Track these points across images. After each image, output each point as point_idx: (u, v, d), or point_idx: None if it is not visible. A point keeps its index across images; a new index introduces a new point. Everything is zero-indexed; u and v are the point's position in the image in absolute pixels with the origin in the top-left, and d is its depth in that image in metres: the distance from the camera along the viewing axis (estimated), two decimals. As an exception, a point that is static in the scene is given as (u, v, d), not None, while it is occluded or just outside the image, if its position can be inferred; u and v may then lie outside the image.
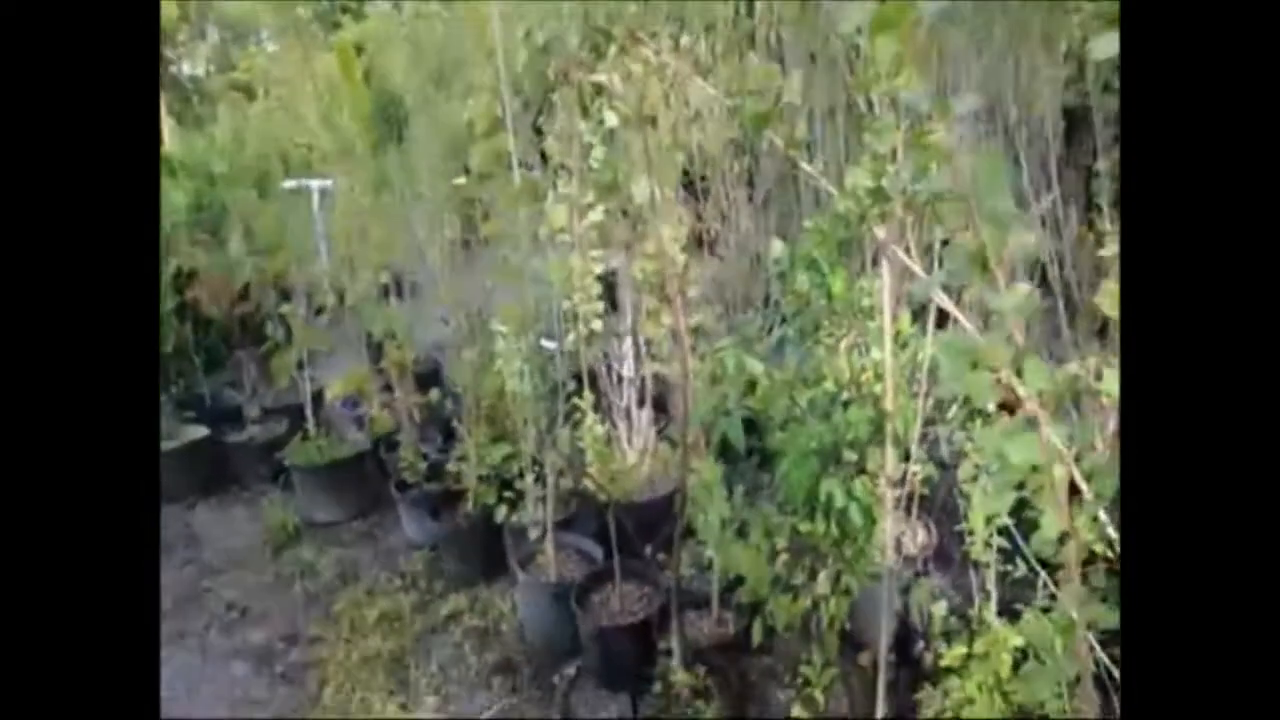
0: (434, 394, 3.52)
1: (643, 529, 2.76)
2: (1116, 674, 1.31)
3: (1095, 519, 1.24)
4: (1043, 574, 1.59)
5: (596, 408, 2.69)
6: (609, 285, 2.75)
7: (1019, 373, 1.13)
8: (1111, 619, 1.20)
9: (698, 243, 3.22)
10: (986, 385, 1.16)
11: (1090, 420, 1.94)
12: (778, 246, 2.13)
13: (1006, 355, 1.14)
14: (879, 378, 1.87)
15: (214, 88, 7.56)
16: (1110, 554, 1.41)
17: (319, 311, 4.13)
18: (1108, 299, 1.08)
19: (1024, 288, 1.14)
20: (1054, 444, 1.17)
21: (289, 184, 4.61)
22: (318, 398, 4.15)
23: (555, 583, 2.71)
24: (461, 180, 2.69)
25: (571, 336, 2.44)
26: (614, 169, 2.28)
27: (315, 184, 4.72)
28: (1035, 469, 1.18)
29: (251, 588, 3.42)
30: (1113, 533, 1.25)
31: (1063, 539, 1.19)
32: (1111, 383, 1.45)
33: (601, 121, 2.20)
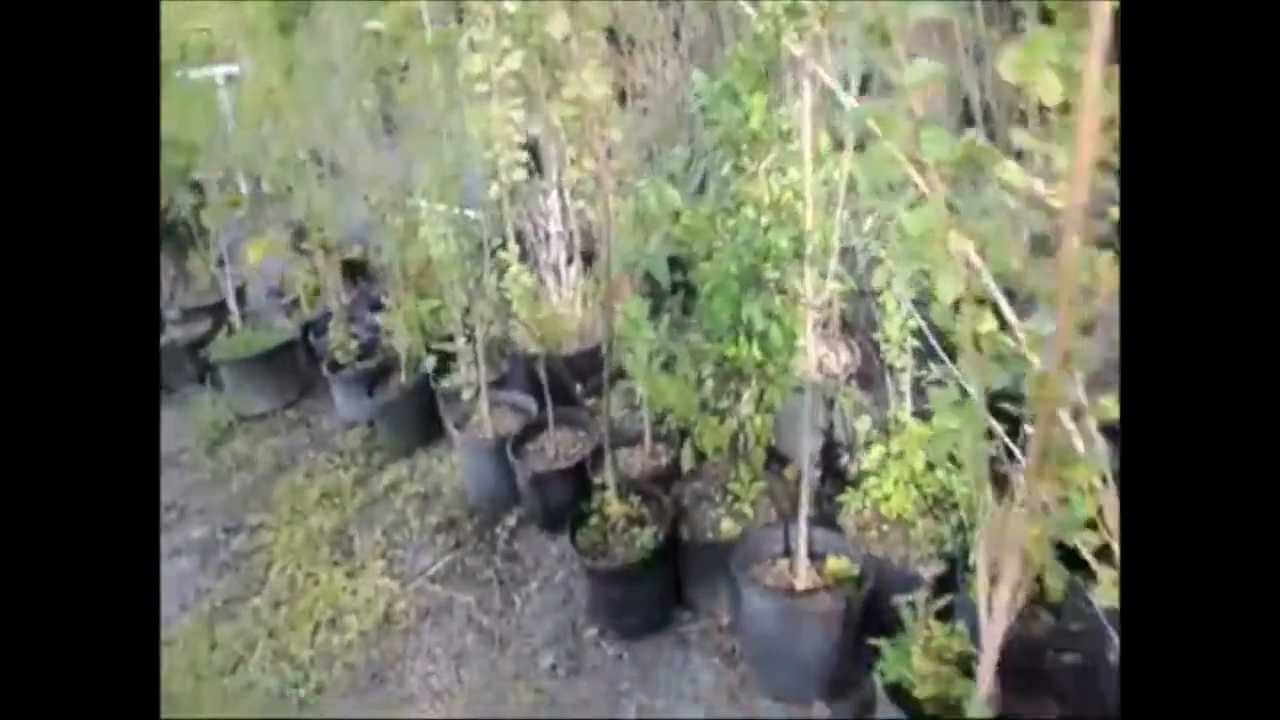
0: (358, 250, 3.44)
1: (575, 378, 2.79)
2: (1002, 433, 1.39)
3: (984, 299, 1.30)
4: (948, 362, 1.66)
5: (524, 260, 2.67)
6: (531, 149, 2.70)
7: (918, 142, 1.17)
8: (1003, 378, 1.28)
9: (622, 98, 3.16)
10: (888, 158, 1.20)
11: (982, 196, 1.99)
12: (699, 77, 2.10)
13: (907, 126, 1.18)
14: (798, 196, 1.89)
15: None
16: (1001, 328, 1.48)
17: (234, 204, 3.99)
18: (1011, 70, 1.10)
19: (925, 62, 1.17)
20: (948, 211, 1.21)
21: (192, 74, 4.36)
22: (240, 294, 4.04)
23: (492, 438, 2.73)
24: (376, 24, 2.58)
25: (494, 189, 2.39)
26: (529, 10, 2.21)
27: (220, 70, 4.49)
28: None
29: (189, 486, 3.38)
30: (1002, 301, 1.31)
31: (957, 306, 1.25)
32: (1011, 173, 1.50)
33: (516, -39, 2.12)
